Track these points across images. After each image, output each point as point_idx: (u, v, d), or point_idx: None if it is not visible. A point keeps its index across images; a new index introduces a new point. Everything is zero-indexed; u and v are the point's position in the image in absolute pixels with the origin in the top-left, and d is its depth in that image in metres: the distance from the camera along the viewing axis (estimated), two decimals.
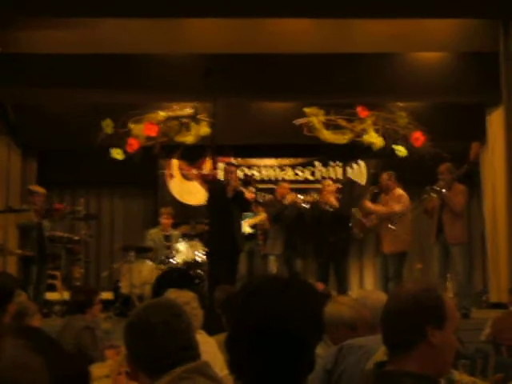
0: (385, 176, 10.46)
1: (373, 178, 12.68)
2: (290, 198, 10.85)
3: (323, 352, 3.93)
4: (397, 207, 10.03)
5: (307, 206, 11.13)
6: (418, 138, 11.82)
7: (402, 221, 10.04)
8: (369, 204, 10.31)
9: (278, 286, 1.83)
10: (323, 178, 12.79)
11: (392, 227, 9.87)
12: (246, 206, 9.62)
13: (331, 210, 10.60)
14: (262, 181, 13.01)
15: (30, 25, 10.75)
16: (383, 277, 10.16)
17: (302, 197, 11.45)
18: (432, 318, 2.25)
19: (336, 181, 12.71)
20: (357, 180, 13.06)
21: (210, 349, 4.03)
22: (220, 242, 9.13)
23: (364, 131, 11.91)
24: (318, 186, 12.79)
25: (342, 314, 4.19)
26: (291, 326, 1.76)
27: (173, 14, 10.55)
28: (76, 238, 10.10)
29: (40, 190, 10.02)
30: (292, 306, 1.78)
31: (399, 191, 10.19)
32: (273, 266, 10.73)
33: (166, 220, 11.03)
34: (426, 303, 2.26)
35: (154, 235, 10.90)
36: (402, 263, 10.03)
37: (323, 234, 10.53)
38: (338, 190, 11.69)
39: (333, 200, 10.76)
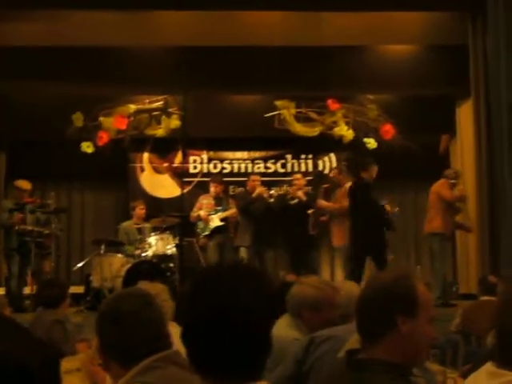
0: (334, 171, 10.60)
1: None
2: (257, 191, 10.91)
3: (299, 335, 3.94)
4: (346, 202, 10.10)
5: (272, 200, 11.27)
6: (388, 130, 11.89)
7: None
8: (321, 202, 10.42)
9: (226, 273, 1.83)
10: (294, 171, 12.81)
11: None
12: None
13: (293, 202, 10.74)
14: (234, 174, 13.01)
15: None
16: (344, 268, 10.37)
17: (271, 191, 11.50)
18: (402, 307, 2.25)
19: (306, 173, 12.76)
20: (327, 173, 13.10)
21: None
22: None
23: (334, 124, 11.96)
24: (289, 178, 12.83)
25: (304, 294, 4.10)
26: (242, 311, 1.76)
27: (143, 7, 10.52)
28: (46, 231, 10.03)
29: (24, 185, 10.06)
30: (241, 290, 1.78)
31: (348, 185, 10.24)
32: (243, 258, 10.77)
33: (140, 210, 10.99)
34: (396, 292, 2.26)
35: (126, 228, 10.85)
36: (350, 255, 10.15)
37: (291, 226, 10.63)
38: (308, 183, 11.76)
39: (300, 194, 10.84)
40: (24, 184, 10.13)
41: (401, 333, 2.23)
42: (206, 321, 1.77)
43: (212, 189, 11.18)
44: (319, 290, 4.08)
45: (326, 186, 10.74)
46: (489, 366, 2.39)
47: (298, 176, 11.35)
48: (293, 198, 10.87)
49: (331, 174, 10.65)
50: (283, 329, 4.00)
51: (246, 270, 1.87)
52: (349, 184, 10.26)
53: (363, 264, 9.29)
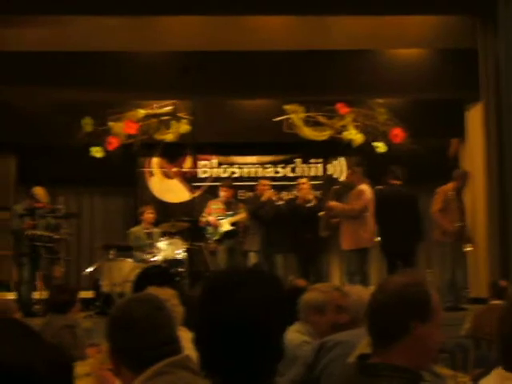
0: (349, 172, 10.63)
1: None
2: (266, 194, 10.90)
3: (309, 339, 3.94)
4: (356, 204, 10.09)
5: (281, 203, 11.31)
6: (398, 134, 11.87)
7: (362, 217, 10.11)
8: (331, 203, 10.40)
9: (239, 278, 1.84)
10: (303, 175, 12.78)
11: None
12: None
13: (308, 205, 10.73)
14: (243, 178, 13.00)
15: (4, 23, 10.70)
16: (347, 273, 10.35)
17: (279, 194, 11.54)
18: (417, 312, 2.25)
19: (316, 178, 12.79)
20: (337, 177, 13.09)
21: (192, 345, 4.02)
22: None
23: (344, 128, 11.95)
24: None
25: (309, 298, 4.18)
26: (252, 317, 1.76)
27: (150, 12, 10.53)
28: (56, 236, 10.05)
29: (42, 196, 10.13)
30: (253, 296, 1.78)
31: (361, 187, 10.23)
32: (253, 263, 10.76)
33: (149, 215, 10.99)
34: (413, 297, 2.26)
35: (136, 233, 10.86)
36: (362, 260, 10.12)
37: (300, 231, 10.61)
38: (315, 187, 11.77)
39: (310, 197, 10.87)
40: (42, 194, 10.15)
41: (415, 338, 2.23)
42: (218, 327, 1.77)
43: (222, 193, 11.17)
44: (323, 292, 4.14)
45: (336, 187, 10.72)
46: (501, 370, 2.38)
47: (304, 180, 11.33)
48: (308, 201, 10.84)
49: (346, 175, 10.67)
50: (293, 334, 4.01)
51: (257, 276, 1.87)
52: (362, 186, 10.25)
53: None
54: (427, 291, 2.30)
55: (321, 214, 10.56)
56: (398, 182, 10.26)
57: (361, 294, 4.27)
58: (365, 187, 10.25)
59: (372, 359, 2.26)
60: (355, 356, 2.40)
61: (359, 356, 2.32)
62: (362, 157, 12.49)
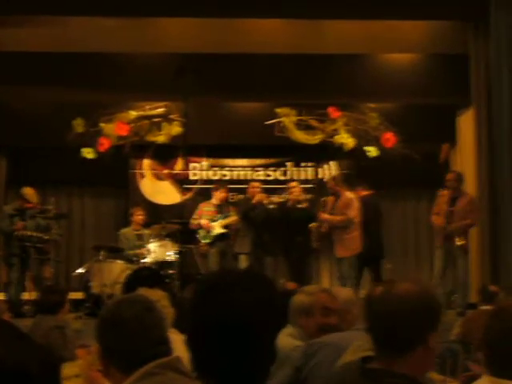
0: (330, 181, 10.63)
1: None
2: (257, 197, 10.90)
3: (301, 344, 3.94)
4: (349, 213, 10.12)
5: (273, 206, 11.32)
6: (389, 138, 11.88)
7: (353, 223, 10.17)
8: (325, 216, 10.42)
9: (232, 280, 1.84)
10: (294, 179, 12.78)
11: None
12: None
13: (299, 206, 10.79)
14: (234, 181, 12.99)
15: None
16: (339, 277, 10.38)
17: (270, 198, 11.56)
18: (433, 322, 2.22)
19: (307, 181, 12.80)
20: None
21: (182, 346, 4.01)
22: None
23: (335, 132, 11.96)
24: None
25: (297, 301, 4.17)
26: (246, 318, 1.76)
27: (144, 14, 10.54)
28: (46, 237, 10.03)
29: (32, 197, 10.11)
30: (246, 298, 1.78)
31: (348, 195, 10.25)
32: (243, 265, 10.74)
33: (139, 217, 10.99)
34: (432, 306, 2.23)
35: (126, 235, 10.85)
36: (353, 265, 10.18)
37: (291, 234, 10.63)
38: (306, 191, 11.80)
39: (301, 198, 10.96)
40: (31, 194, 10.13)
41: (429, 347, 2.19)
42: (211, 328, 1.77)
43: (218, 195, 11.05)
44: (310, 295, 4.13)
45: (325, 199, 10.74)
46: (490, 376, 2.38)
47: (294, 184, 11.37)
48: (299, 202, 10.91)
49: (328, 185, 10.71)
50: (286, 338, 4.01)
51: (250, 277, 1.87)
52: (348, 194, 10.28)
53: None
54: (438, 301, 2.28)
55: (312, 225, 10.59)
56: (370, 193, 10.70)
57: (348, 296, 4.28)
58: (351, 195, 10.30)
59: (373, 364, 2.23)
60: (344, 360, 2.38)
61: (362, 358, 2.28)
62: (353, 161, 12.52)
